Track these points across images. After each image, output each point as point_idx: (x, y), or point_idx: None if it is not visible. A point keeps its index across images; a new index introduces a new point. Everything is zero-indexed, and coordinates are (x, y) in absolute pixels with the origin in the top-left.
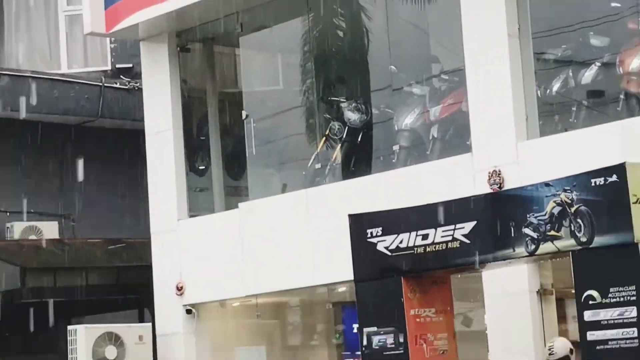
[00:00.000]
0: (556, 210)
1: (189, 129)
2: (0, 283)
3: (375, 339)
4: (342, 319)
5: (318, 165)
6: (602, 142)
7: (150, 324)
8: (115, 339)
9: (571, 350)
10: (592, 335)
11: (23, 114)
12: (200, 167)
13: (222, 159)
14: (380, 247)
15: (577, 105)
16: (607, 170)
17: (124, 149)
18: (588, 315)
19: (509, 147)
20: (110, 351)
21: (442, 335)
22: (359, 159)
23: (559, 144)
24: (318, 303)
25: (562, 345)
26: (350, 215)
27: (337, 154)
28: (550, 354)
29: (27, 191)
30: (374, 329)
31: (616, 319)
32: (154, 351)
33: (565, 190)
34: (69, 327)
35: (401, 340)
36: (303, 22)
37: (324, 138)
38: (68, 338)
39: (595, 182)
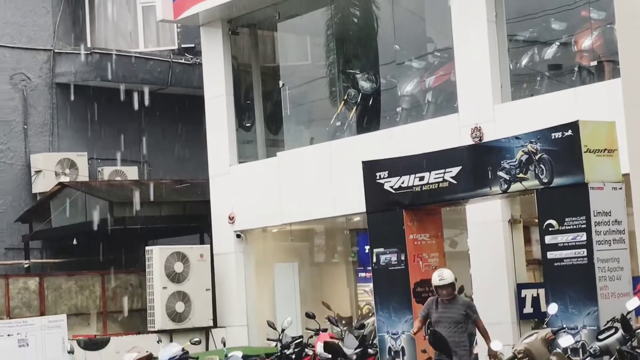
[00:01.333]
0: (524, 157)
1: (238, 95)
2: (94, 214)
3: (383, 257)
4: (357, 241)
5: (338, 123)
6: (560, 105)
7: (209, 245)
8: (182, 257)
9: (455, 279)
10: (551, 255)
11: (110, 83)
12: (247, 124)
13: (264, 118)
14: (387, 186)
15: (541, 76)
16: (564, 126)
17: (188, 110)
18: (548, 239)
19: (488, 109)
20: (178, 266)
21: (435, 254)
22: (370, 118)
23: (527, 106)
24: (338, 229)
25: (449, 273)
26: (363, 162)
27: (353, 114)
28: (440, 280)
29: (114, 143)
30: (382, 249)
31: (570, 242)
32: (212, 266)
33: (531, 142)
34: (147, 248)
35: (402, 258)
36: (327, 11)
37: (343, 102)
38: (146, 256)
39: (554, 136)
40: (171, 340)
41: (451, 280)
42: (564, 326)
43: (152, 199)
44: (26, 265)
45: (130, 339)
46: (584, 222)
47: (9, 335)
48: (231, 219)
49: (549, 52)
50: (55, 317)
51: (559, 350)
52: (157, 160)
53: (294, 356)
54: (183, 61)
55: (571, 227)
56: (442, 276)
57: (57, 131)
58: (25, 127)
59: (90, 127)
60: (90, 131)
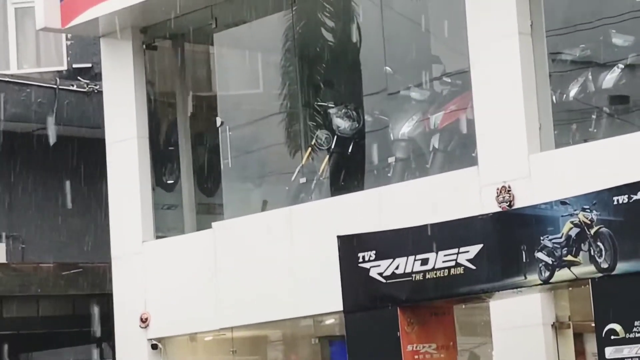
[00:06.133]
0: (573, 232)
1: (155, 137)
2: None
3: None
4: (330, 355)
5: (303, 180)
6: (627, 155)
7: None
8: None
9: None
10: None
11: None
12: (169, 182)
13: (194, 172)
14: (374, 273)
15: (598, 113)
16: (632, 187)
17: (82, 160)
18: (610, 352)
19: (520, 160)
20: None
21: None
22: (349, 172)
23: (577, 156)
24: (302, 337)
25: None
26: (339, 237)
27: (325, 166)
28: None
29: None
30: None
31: None
32: None
33: (584, 210)
34: None
35: None
36: (286, 16)
37: (310, 148)
38: None
39: (618, 201)
40: None
41: None
42: None
43: (26, 291)
44: None
45: None
46: None
47: None
48: (144, 321)
49: (610, 79)
50: None
51: None
52: (33, 234)
53: None
54: (75, 88)
55: None
56: None
57: None
58: None
59: None
60: None
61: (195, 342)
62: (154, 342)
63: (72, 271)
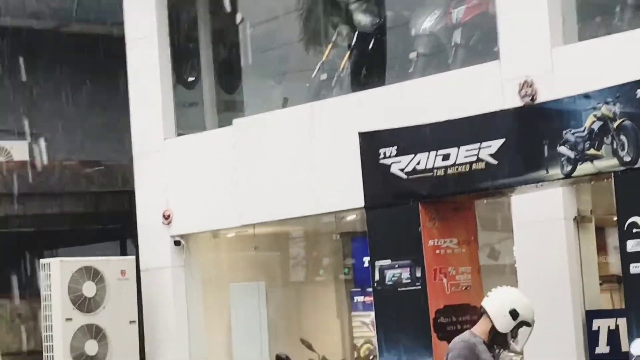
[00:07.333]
0: (596, 125)
1: (176, 34)
2: None
3: (389, 274)
4: (351, 251)
5: (324, 76)
6: None
7: (133, 257)
8: (94, 274)
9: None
10: (635, 268)
11: None
12: (189, 79)
13: (214, 69)
14: (395, 169)
15: (622, 5)
16: None
17: (102, 57)
18: (632, 245)
19: (543, 54)
20: (89, 288)
21: (465, 269)
22: (370, 68)
23: (601, 49)
24: (324, 234)
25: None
26: (360, 133)
27: (346, 62)
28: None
29: None
30: (388, 262)
31: None
32: (138, 288)
33: (607, 103)
34: (42, 261)
35: (418, 274)
36: None
37: (331, 44)
38: (40, 273)
39: None
40: None
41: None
42: None
43: (49, 189)
44: None
45: None
46: None
47: None
48: (166, 218)
49: None
50: None
51: None
52: (56, 132)
53: None
54: None
55: None
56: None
57: None
58: None
59: None
60: None
61: (217, 239)
62: (177, 238)
63: (94, 168)
